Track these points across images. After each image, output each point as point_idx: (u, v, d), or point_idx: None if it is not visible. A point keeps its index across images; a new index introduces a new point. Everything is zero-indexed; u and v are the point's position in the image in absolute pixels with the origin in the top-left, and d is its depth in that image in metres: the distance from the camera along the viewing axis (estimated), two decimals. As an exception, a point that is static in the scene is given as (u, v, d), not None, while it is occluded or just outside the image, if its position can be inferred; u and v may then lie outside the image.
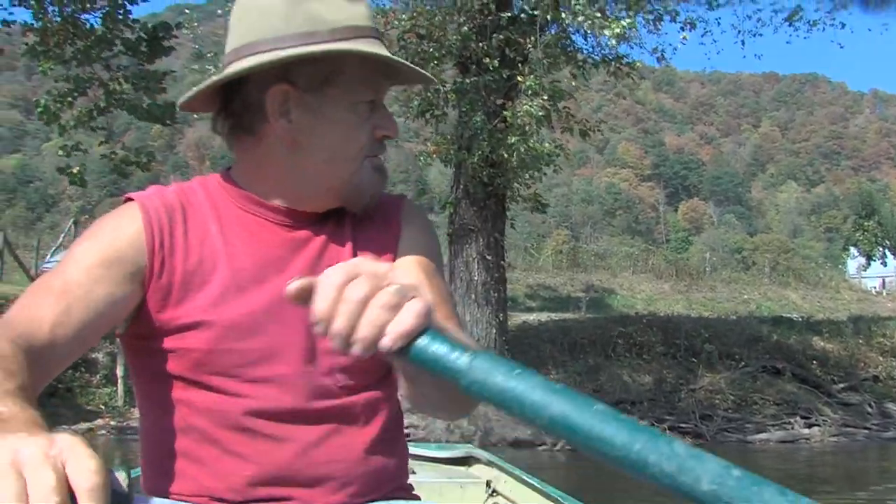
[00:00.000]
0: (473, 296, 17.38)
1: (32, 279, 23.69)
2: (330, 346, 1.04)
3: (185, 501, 1.52)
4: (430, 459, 4.00)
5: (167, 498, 1.54)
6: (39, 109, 16.95)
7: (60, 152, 17.32)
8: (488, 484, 3.66)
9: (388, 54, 1.59)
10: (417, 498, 1.72)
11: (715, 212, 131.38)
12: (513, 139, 14.95)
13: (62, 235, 32.51)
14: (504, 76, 15.59)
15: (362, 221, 1.72)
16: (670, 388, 19.38)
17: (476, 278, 17.35)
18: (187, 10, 20.16)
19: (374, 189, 1.67)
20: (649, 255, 41.49)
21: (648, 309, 26.69)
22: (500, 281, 17.84)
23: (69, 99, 16.80)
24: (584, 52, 17.50)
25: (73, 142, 17.00)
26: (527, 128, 15.07)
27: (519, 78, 15.08)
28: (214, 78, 1.59)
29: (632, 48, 18.03)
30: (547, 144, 16.28)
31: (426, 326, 1.00)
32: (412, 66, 1.65)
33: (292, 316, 1.53)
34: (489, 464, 3.83)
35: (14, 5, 16.65)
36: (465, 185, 17.05)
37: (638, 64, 17.21)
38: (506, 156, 15.41)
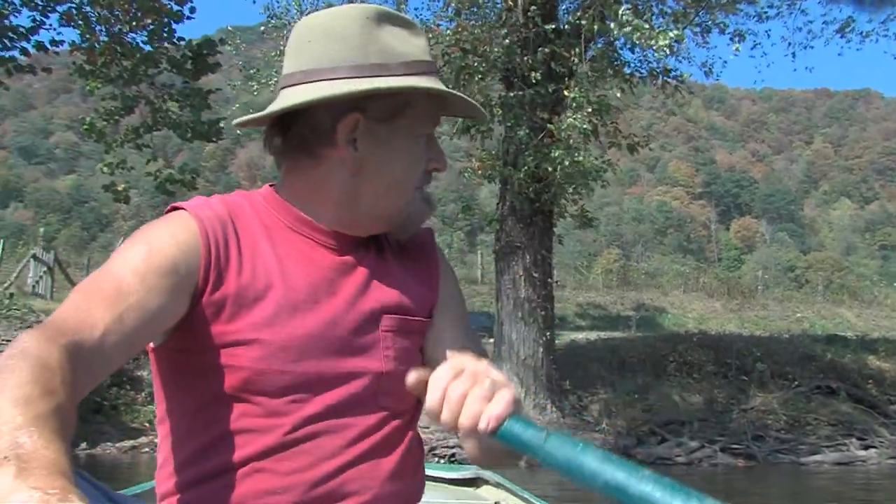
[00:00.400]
0: (520, 314, 17.15)
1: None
2: (371, 367, 1.51)
3: None
4: (439, 480, 4.07)
5: None
6: (85, 127, 17.05)
7: (105, 169, 17.37)
8: None
9: (455, 91, 1.67)
10: None
11: (767, 230, 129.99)
12: (557, 152, 14.68)
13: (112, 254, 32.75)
14: (549, 90, 15.38)
15: (401, 249, 1.78)
16: (721, 408, 18.97)
17: (523, 296, 17.11)
18: (230, 29, 19.98)
19: (421, 219, 1.72)
20: (700, 273, 41.12)
21: (699, 328, 26.27)
22: (548, 298, 17.55)
23: (116, 117, 16.91)
24: (632, 65, 17.33)
25: (117, 159, 17.07)
26: (571, 141, 14.82)
27: (565, 92, 14.82)
28: (296, 101, 1.58)
29: (680, 62, 17.76)
30: (594, 160, 16.00)
31: (513, 413, 1.29)
32: (472, 101, 1.70)
33: (340, 339, 1.59)
34: (497, 485, 3.92)
35: (63, 25, 16.83)
36: (512, 201, 16.85)
37: (686, 76, 16.90)
38: (550, 170, 15.16)
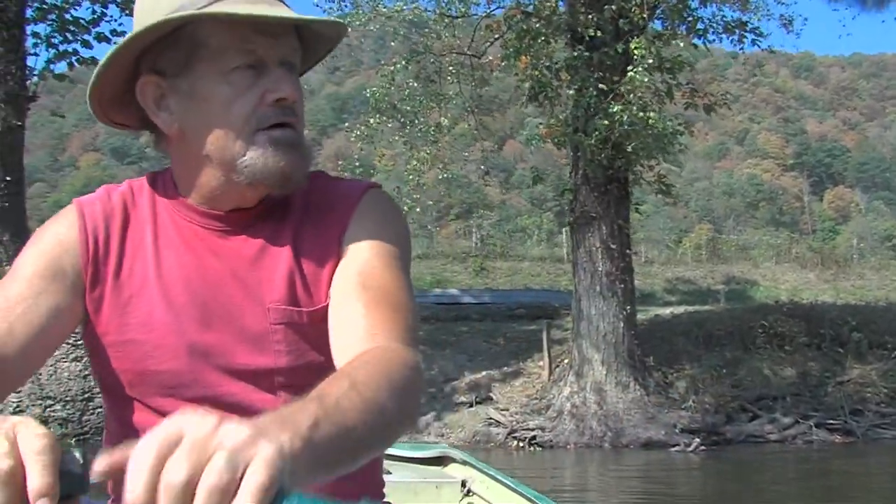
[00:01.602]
0: (598, 288, 16.58)
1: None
2: (262, 364, 1.43)
3: None
4: (406, 459, 4.02)
5: None
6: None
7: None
8: (463, 484, 3.70)
9: (259, 9, 1.40)
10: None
11: (862, 199, 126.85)
12: (616, 107, 13.87)
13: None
14: (617, 50, 14.71)
15: (311, 215, 1.56)
16: (816, 382, 17.93)
17: (600, 269, 16.52)
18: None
19: (285, 166, 1.45)
20: (793, 244, 39.91)
21: (792, 299, 25.22)
22: (626, 271, 16.91)
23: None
24: (704, 21, 16.48)
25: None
26: (636, 97, 14.18)
27: (634, 49, 14.02)
28: (90, 82, 1.50)
29: (758, 20, 16.76)
30: (669, 121, 15.20)
31: (277, 495, 0.80)
32: (277, 14, 1.41)
33: (221, 334, 1.48)
34: (464, 463, 3.86)
35: (125, 15, 17.25)
36: (584, 169, 16.18)
37: (763, 32, 16.07)
38: (608, 124, 14.47)
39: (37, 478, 0.81)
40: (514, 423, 16.75)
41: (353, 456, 1.04)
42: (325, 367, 1.35)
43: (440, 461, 3.99)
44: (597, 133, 14.76)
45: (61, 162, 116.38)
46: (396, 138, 20.00)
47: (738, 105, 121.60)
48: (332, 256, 1.51)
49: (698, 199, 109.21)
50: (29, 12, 17.54)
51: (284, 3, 1.48)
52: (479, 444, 16.48)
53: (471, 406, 17.62)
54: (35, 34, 17.72)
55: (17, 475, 0.81)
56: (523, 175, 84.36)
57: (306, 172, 1.51)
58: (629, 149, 15.13)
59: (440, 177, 18.80)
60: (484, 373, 18.54)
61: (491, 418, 17.09)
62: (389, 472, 3.43)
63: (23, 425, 0.85)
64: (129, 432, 1.45)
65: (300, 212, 1.55)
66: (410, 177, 18.19)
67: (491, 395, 17.81)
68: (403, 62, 17.59)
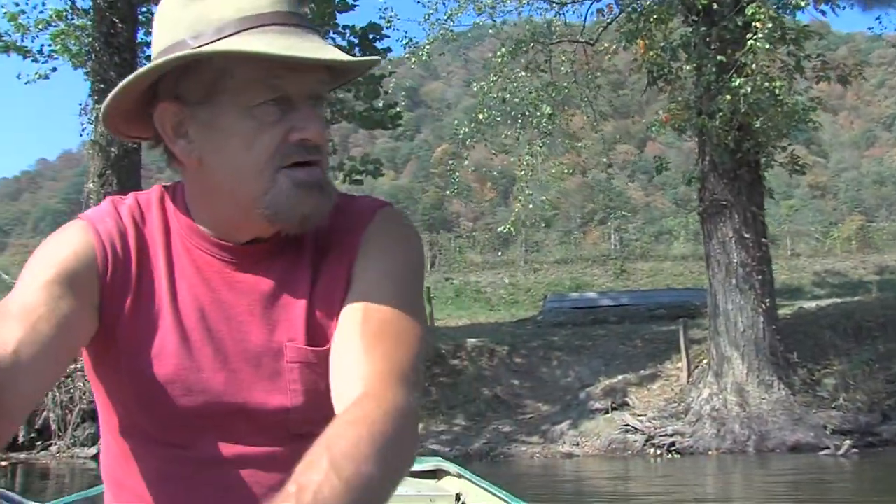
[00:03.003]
0: (734, 280, 15.71)
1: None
2: (275, 403, 1.39)
3: None
4: None
5: None
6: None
7: None
8: (457, 497, 3.70)
9: (292, 49, 1.33)
10: None
11: None
12: (737, 81, 13.04)
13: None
14: (737, 23, 13.83)
15: (325, 242, 1.50)
16: (980, 374, 16.49)
17: (734, 260, 15.65)
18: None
19: (305, 208, 1.39)
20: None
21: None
22: (763, 261, 15.97)
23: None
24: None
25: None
26: (758, 67, 13.22)
27: (751, 14, 13.07)
28: (104, 104, 1.46)
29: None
30: (799, 97, 14.23)
31: None
32: (312, 55, 1.34)
33: (235, 371, 1.43)
34: (458, 476, 3.88)
35: None
36: (711, 154, 15.33)
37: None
38: (741, 103, 13.54)
39: None
40: (652, 428, 16.07)
41: None
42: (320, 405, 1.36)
43: (434, 474, 4.02)
44: (721, 113, 13.96)
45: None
46: (538, 145, 19.23)
47: (885, 90, 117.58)
48: (343, 287, 1.46)
49: (847, 189, 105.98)
50: (140, 35, 17.79)
51: (317, 31, 1.42)
52: (616, 452, 15.91)
53: (606, 412, 17.04)
54: (149, 58, 17.98)
55: None
56: (666, 176, 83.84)
57: (328, 212, 1.44)
58: (757, 126, 14.26)
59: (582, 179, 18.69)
60: (620, 377, 18.00)
61: (627, 424, 16.45)
62: None
63: None
64: (131, 464, 1.46)
65: (315, 241, 1.49)
66: (551, 183, 17.86)
67: (627, 400, 17.22)
68: (507, 53, 17.08)
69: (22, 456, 15.96)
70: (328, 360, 1.38)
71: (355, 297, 1.40)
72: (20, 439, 15.78)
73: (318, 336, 1.43)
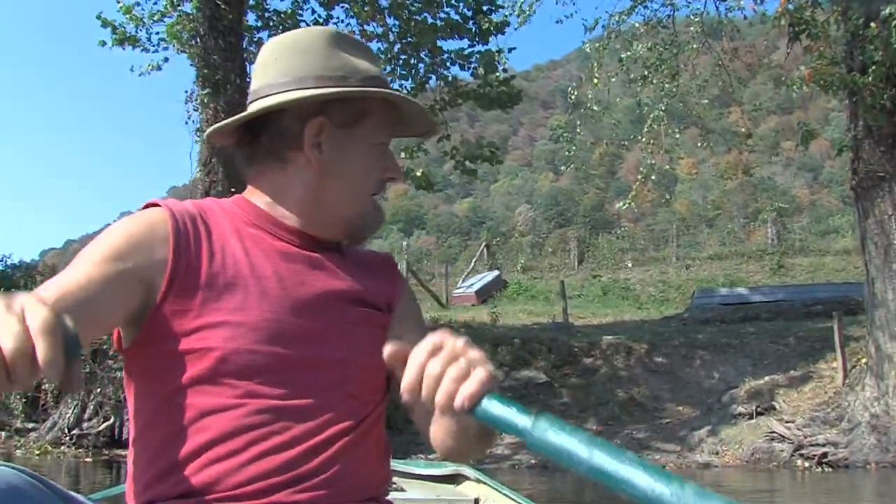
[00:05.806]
0: (895, 265, 13.64)
1: (443, 305, 28.61)
2: (338, 356, 1.69)
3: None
4: (419, 477, 4.01)
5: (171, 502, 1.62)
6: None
7: (403, 154, 17.84)
8: (477, 502, 3.74)
9: (407, 97, 1.86)
10: None
11: None
12: (889, 8, 11.23)
13: (473, 260, 36.99)
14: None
15: (357, 263, 1.89)
16: None
17: (895, 241, 13.57)
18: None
19: (375, 225, 1.87)
20: None
21: None
22: (929, 242, 13.87)
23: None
24: None
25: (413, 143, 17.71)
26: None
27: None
28: (266, 104, 1.76)
29: None
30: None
31: (489, 391, 1.31)
32: (423, 107, 1.88)
33: (308, 326, 1.69)
34: (478, 481, 3.89)
35: (324, 7, 18.00)
36: (864, 118, 13.39)
37: None
38: (872, 49, 11.86)
39: (46, 353, 1.05)
40: (801, 437, 14.19)
41: None
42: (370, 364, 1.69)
43: (454, 479, 4.01)
44: (874, 67, 12.11)
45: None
46: (699, 145, 18.99)
47: None
48: (389, 303, 1.87)
49: None
50: (251, 19, 17.45)
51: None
52: (759, 463, 14.16)
53: (751, 418, 15.33)
54: (258, 42, 17.74)
55: (29, 352, 1.05)
56: (832, 173, 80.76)
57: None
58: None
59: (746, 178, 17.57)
60: (767, 378, 16.27)
61: (773, 431, 14.65)
62: (403, 490, 3.64)
63: (29, 305, 1.08)
64: (192, 416, 1.62)
65: (350, 256, 1.90)
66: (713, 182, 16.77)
67: (774, 403, 15.43)
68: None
69: (124, 452, 15.21)
70: (380, 325, 1.80)
71: (416, 329, 1.80)
72: (124, 435, 15.08)
73: (372, 304, 1.81)
